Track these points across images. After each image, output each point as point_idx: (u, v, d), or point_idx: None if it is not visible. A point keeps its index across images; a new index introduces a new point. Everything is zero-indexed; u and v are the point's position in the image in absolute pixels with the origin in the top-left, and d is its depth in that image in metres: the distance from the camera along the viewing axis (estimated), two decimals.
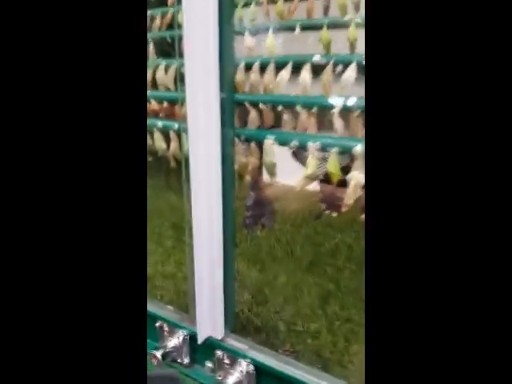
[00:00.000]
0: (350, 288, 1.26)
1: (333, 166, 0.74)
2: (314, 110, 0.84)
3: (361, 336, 1.06)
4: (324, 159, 0.91)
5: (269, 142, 0.78)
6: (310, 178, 0.79)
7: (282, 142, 0.80)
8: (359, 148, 0.70)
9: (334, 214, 0.97)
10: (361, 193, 0.74)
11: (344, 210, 0.97)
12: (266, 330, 1.08)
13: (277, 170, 0.80)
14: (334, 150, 0.73)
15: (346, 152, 0.73)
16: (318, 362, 0.98)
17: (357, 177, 0.71)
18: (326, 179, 0.97)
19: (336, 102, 0.77)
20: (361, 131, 0.78)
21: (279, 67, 0.79)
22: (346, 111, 0.77)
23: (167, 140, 0.85)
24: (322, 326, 1.10)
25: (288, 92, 0.82)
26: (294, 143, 0.78)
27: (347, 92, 0.81)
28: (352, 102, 0.75)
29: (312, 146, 0.77)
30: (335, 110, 0.78)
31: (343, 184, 0.99)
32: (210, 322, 0.59)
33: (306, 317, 1.14)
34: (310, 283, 1.28)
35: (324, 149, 0.76)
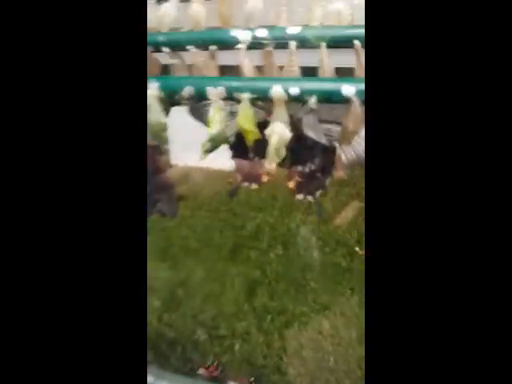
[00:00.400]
0: (278, 272, 1.09)
1: (245, 119, 0.52)
2: (213, 48, 0.60)
3: (298, 329, 0.90)
4: (232, 114, 0.68)
5: (150, 92, 0.55)
6: (216, 141, 0.57)
7: (170, 91, 0.56)
8: (277, 91, 0.50)
9: (254, 186, 0.76)
10: (285, 153, 0.55)
11: (266, 179, 0.76)
12: (182, 343, 0.85)
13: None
14: (245, 95, 0.52)
15: (260, 99, 0.52)
16: (250, 373, 0.80)
17: (278, 129, 0.51)
18: (238, 142, 0.75)
19: (241, 35, 0.55)
20: (276, 72, 0.57)
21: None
22: (255, 46, 0.56)
23: None
24: (251, 325, 0.91)
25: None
26: (188, 90, 0.55)
27: (254, 23, 0.59)
28: (262, 33, 0.54)
29: (213, 91, 0.55)
30: (241, 46, 0.56)
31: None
32: None
33: (231, 316, 0.94)
34: (232, 274, 1.09)
35: (230, 97, 0.54)
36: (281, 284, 1.04)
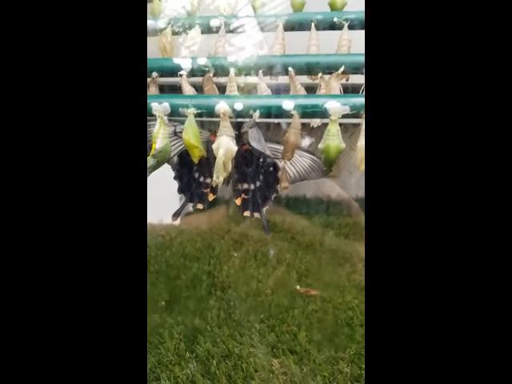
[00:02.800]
0: (220, 317, 1.02)
1: (191, 134, 0.53)
2: (154, 74, 0.62)
3: (247, 371, 0.83)
4: (176, 134, 0.69)
5: None
6: (160, 156, 0.57)
7: None
8: (222, 106, 0.53)
9: (199, 206, 0.74)
10: (231, 168, 0.56)
11: (211, 197, 0.75)
12: None
13: None
14: (191, 110, 0.53)
15: (206, 114, 0.54)
16: None
17: (225, 142, 0.52)
18: (181, 162, 0.75)
19: (183, 63, 0.59)
20: (215, 91, 0.60)
21: None
22: (196, 73, 0.59)
23: None
24: (196, 372, 0.82)
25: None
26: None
27: (194, 53, 0.63)
28: (202, 61, 0.58)
29: (157, 107, 0.56)
30: (182, 73, 0.59)
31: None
32: None
33: (172, 366, 0.84)
34: (170, 324, 1.00)
35: (176, 114, 0.56)
36: (224, 329, 0.98)
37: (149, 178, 0.56)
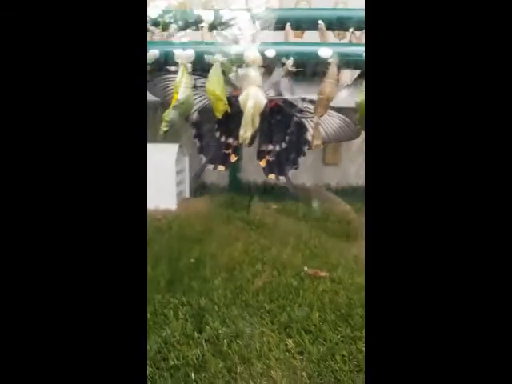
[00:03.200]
0: (228, 297, 0.97)
1: (216, 84, 0.48)
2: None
3: (261, 350, 0.78)
4: (196, 87, 0.63)
5: None
6: (182, 108, 0.51)
7: None
8: (252, 52, 0.48)
9: (221, 168, 0.68)
10: (258, 123, 0.51)
11: (234, 158, 0.70)
12: None
13: None
14: (217, 58, 0.48)
15: (233, 62, 0.49)
16: None
17: (254, 93, 0.47)
18: (201, 119, 0.69)
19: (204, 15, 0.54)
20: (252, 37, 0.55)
21: None
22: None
23: None
24: (206, 351, 0.76)
25: None
26: (153, 53, 0.50)
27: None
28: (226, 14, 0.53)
29: (181, 54, 0.50)
30: (204, 25, 0.54)
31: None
32: None
33: (180, 346, 0.78)
34: (175, 304, 0.93)
35: (200, 62, 0.50)
36: (232, 308, 0.92)
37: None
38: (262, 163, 0.64)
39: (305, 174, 1.91)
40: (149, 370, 0.69)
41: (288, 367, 0.74)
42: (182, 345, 0.78)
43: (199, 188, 1.87)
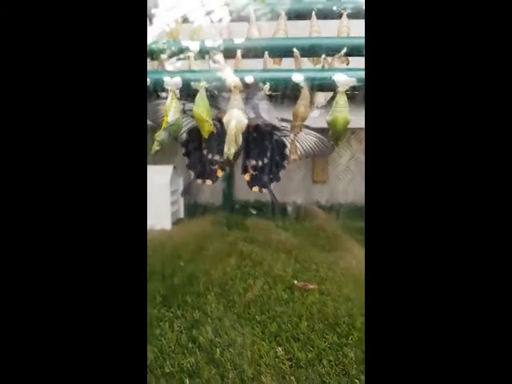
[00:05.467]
0: (220, 310, 1.01)
1: (202, 107, 0.55)
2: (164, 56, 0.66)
3: (252, 357, 0.82)
4: (186, 112, 0.71)
5: None
6: (171, 130, 0.58)
7: None
8: (233, 79, 0.55)
9: (208, 183, 0.75)
10: (241, 141, 0.57)
11: (220, 173, 0.77)
12: None
13: None
14: (202, 84, 0.55)
15: (216, 88, 0.56)
16: None
17: (236, 115, 0.54)
18: (190, 138, 0.76)
19: (191, 45, 0.61)
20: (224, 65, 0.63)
21: None
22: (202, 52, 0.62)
23: None
24: (200, 360, 0.81)
25: None
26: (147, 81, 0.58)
27: (201, 36, 0.66)
28: (209, 44, 0.61)
29: (170, 81, 0.58)
30: (190, 54, 0.62)
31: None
32: None
33: (175, 354, 0.82)
34: (169, 317, 0.98)
35: (187, 88, 0.58)
36: (225, 320, 0.96)
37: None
38: (247, 177, 0.71)
39: (295, 191, 1.97)
40: (150, 378, 0.73)
41: (277, 372, 0.78)
42: (177, 354, 0.82)
43: (193, 207, 1.92)
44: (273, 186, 0.73)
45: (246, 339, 0.88)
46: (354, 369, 0.79)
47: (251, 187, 0.73)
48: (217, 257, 1.36)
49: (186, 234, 1.63)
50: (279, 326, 0.94)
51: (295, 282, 1.16)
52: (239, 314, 1.00)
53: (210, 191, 2.07)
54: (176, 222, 1.77)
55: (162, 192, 1.69)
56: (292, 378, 0.77)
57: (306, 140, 0.76)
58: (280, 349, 0.85)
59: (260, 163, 0.78)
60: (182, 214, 1.88)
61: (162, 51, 0.60)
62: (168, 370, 0.76)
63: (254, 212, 1.55)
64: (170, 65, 0.65)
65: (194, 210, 1.91)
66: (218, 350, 0.84)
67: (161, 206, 1.69)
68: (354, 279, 1.18)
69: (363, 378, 0.78)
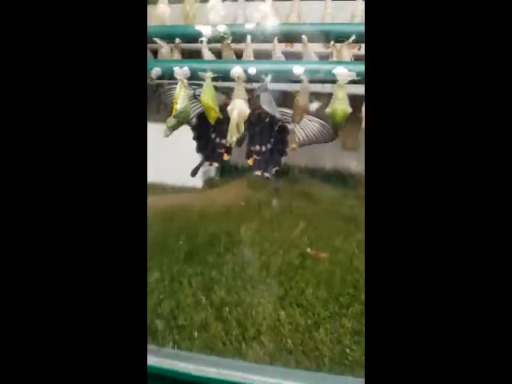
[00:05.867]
0: (235, 271, 1.11)
1: (208, 96, 0.58)
2: (177, 40, 0.67)
3: (255, 318, 0.92)
4: (195, 97, 0.75)
5: None
6: (180, 117, 0.62)
7: None
8: (237, 70, 0.58)
9: (216, 165, 0.81)
10: (243, 129, 0.61)
11: (226, 157, 0.82)
12: None
13: None
14: (208, 74, 0.59)
15: (221, 78, 0.59)
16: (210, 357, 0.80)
17: (238, 105, 0.57)
18: (199, 123, 0.81)
19: (203, 30, 0.63)
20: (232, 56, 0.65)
21: None
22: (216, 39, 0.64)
23: None
24: (210, 315, 0.92)
25: None
26: (155, 71, 0.61)
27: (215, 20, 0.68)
28: (221, 28, 0.62)
29: (179, 71, 0.61)
30: (203, 39, 0.64)
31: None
32: None
33: (189, 308, 0.94)
34: (189, 274, 1.09)
35: (195, 77, 0.61)
36: (238, 281, 1.06)
37: (171, 142, 0.63)
38: (250, 161, 0.75)
39: (325, 157, 1.98)
40: (160, 326, 0.85)
41: (276, 334, 0.87)
42: (191, 309, 0.94)
43: (225, 168, 2.00)
44: (274, 171, 0.78)
45: (254, 300, 0.98)
46: (348, 339, 0.87)
47: (254, 171, 0.79)
48: (240, 219, 1.44)
49: (215, 194, 1.72)
50: (286, 291, 1.02)
51: (308, 249, 1.23)
52: (252, 275, 1.09)
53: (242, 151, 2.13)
54: (207, 181, 1.86)
55: (193, 151, 1.76)
56: (289, 340, 0.86)
57: (309, 127, 0.79)
58: (283, 313, 0.94)
59: (263, 149, 0.83)
60: (213, 173, 1.97)
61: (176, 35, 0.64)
62: (181, 323, 0.87)
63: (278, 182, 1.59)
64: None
65: (224, 170, 1.99)
66: (227, 308, 0.94)
67: (192, 164, 1.77)
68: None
69: (355, 348, 0.86)
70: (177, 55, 0.70)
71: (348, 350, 0.84)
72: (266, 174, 0.78)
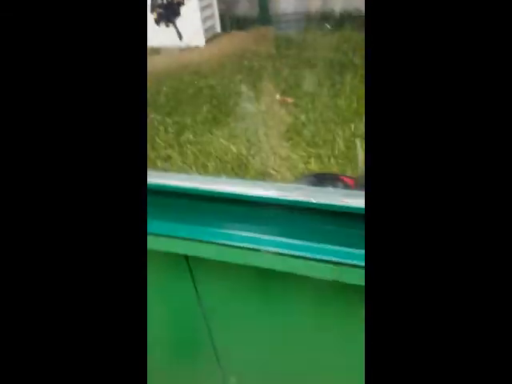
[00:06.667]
0: (207, 118, 1.28)
1: None
2: None
3: (214, 154, 1.11)
4: None
5: None
6: None
7: None
8: None
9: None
10: None
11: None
12: None
13: None
14: None
15: None
16: None
17: None
18: None
19: None
20: None
21: None
22: None
23: None
24: (174, 152, 1.14)
25: None
26: None
27: None
28: None
29: None
30: None
31: None
32: None
33: (159, 146, 1.16)
34: (167, 123, 1.29)
35: None
36: (206, 126, 1.24)
37: None
38: (154, 15, 0.85)
39: None
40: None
41: (238, 165, 1.07)
42: (160, 146, 1.16)
43: (230, 21, 2.00)
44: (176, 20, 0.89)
45: (214, 139, 1.16)
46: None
47: (159, 23, 0.91)
48: (228, 72, 1.54)
49: (216, 50, 1.79)
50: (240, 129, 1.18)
51: (277, 96, 1.32)
52: (219, 122, 1.26)
53: (249, 2, 2.06)
54: (211, 38, 1.91)
55: (192, 10, 1.79)
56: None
57: None
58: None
59: (165, 1, 0.94)
60: (218, 29, 1.99)
61: None
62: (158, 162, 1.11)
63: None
64: None
65: (230, 23, 1.99)
66: (189, 146, 1.14)
67: (192, 24, 1.82)
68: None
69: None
70: None
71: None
72: (170, 25, 0.87)
